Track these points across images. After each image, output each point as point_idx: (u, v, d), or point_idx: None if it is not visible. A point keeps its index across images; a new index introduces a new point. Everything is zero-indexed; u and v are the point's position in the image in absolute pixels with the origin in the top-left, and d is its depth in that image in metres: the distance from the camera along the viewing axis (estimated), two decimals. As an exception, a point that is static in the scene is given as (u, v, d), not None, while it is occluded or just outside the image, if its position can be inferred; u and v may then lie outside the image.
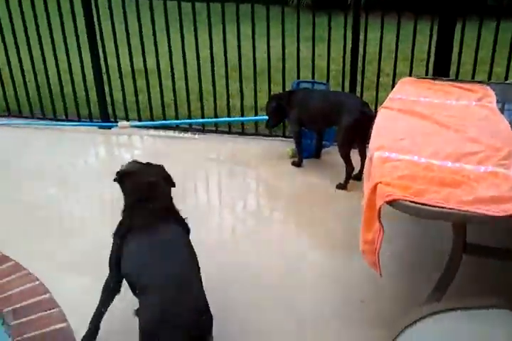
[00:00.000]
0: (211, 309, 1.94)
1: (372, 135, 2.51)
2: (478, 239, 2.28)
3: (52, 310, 2.37)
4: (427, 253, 2.76)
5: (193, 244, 2.90)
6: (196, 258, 2.08)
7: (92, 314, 2.21)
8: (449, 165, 2.09)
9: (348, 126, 3.37)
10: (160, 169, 2.31)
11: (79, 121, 4.62)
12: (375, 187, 1.99)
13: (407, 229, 3.01)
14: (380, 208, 1.93)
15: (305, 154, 3.89)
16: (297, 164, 3.82)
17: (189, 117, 4.49)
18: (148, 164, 2.33)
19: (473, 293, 2.36)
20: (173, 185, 2.31)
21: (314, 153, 3.94)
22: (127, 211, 2.20)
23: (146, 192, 2.17)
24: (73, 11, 4.26)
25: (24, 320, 2.30)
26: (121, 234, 2.13)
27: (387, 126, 2.53)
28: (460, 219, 1.85)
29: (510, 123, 2.55)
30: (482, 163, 2.10)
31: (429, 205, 1.83)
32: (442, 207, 1.81)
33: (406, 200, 1.85)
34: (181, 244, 2.11)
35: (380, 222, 1.95)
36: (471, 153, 2.19)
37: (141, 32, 4.24)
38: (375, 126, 2.59)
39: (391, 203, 1.88)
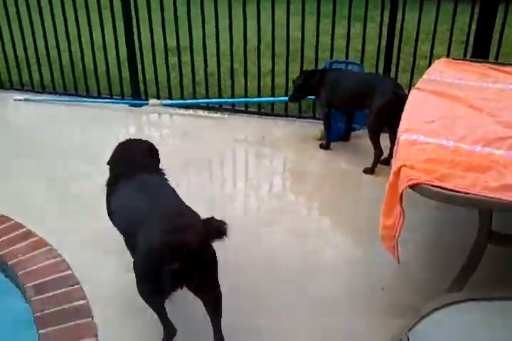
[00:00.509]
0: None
1: (402, 117, 2.42)
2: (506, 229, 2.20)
3: (72, 287, 2.40)
4: (453, 241, 2.67)
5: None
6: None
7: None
8: (479, 149, 2.01)
9: (380, 108, 3.27)
10: (147, 143, 2.64)
11: (111, 98, 4.64)
12: (398, 170, 1.92)
13: (434, 215, 2.93)
14: (402, 192, 1.86)
15: (333, 137, 3.81)
16: (325, 146, 3.75)
17: (219, 96, 4.45)
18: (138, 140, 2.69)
19: (496, 283, 2.28)
20: (156, 153, 2.63)
21: (343, 135, 3.85)
22: (114, 168, 2.58)
23: (131, 152, 2.56)
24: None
25: (45, 295, 2.34)
26: (111, 182, 2.48)
27: (418, 108, 2.44)
28: (485, 205, 1.77)
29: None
30: (514, 149, 2.00)
31: (454, 191, 1.75)
32: (467, 193, 1.73)
33: (429, 185, 1.78)
34: (166, 186, 2.35)
35: (401, 206, 1.89)
36: (502, 138, 2.09)
37: (175, 9, 4.21)
38: (405, 108, 2.50)
39: (414, 187, 1.81)
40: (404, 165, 1.90)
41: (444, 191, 1.76)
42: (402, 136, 2.14)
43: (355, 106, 3.60)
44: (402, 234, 2.71)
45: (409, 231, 2.80)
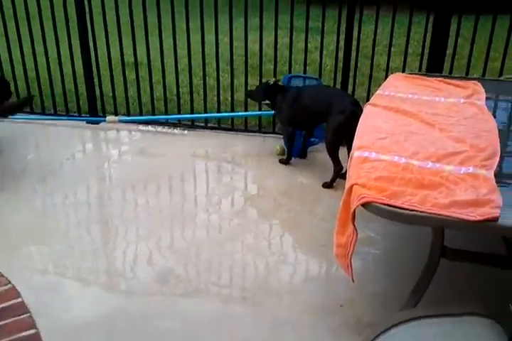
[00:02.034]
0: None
1: (356, 133, 2.43)
2: (463, 243, 2.21)
3: (21, 316, 2.29)
4: (411, 256, 2.68)
5: (178, 241, 2.88)
6: None
7: None
8: (429, 165, 2.01)
9: (337, 126, 3.29)
10: None
11: (67, 115, 4.55)
12: (350, 189, 1.91)
13: (394, 229, 2.93)
14: (354, 211, 1.85)
15: (294, 152, 3.82)
16: (285, 162, 3.75)
17: (179, 112, 4.41)
18: None
19: (452, 299, 2.29)
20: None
21: (302, 152, 3.86)
22: None
23: None
24: (64, 2, 4.17)
25: (-6, 326, 2.24)
26: None
27: (371, 124, 2.45)
28: (435, 223, 1.77)
29: (499, 121, 2.47)
30: (463, 164, 2.02)
31: (404, 208, 1.75)
32: (417, 211, 1.73)
33: (380, 203, 1.78)
34: None
35: (354, 225, 1.87)
36: (453, 153, 2.11)
37: (132, 24, 4.16)
38: (359, 124, 2.51)
39: (365, 206, 1.80)
40: (356, 184, 1.89)
41: (394, 209, 1.75)
42: (355, 153, 2.14)
43: (315, 124, 3.61)
44: (362, 249, 2.76)
45: (369, 246, 2.84)
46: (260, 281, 2.61)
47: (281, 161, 3.76)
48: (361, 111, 3.31)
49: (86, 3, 4.15)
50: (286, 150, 3.78)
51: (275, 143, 3.95)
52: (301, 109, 3.54)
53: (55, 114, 4.58)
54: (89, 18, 4.19)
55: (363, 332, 2.21)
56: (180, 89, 4.38)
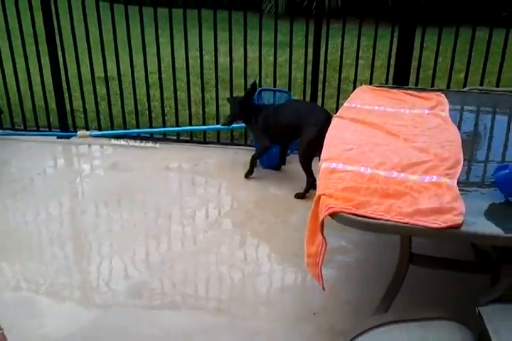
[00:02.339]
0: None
1: (324, 145, 2.48)
2: (435, 250, 2.28)
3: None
4: (382, 264, 2.73)
5: (153, 255, 2.89)
6: None
7: None
8: (395, 175, 2.07)
9: (311, 139, 3.36)
10: None
11: (38, 130, 4.53)
12: (318, 199, 1.96)
13: (365, 238, 3.00)
14: (322, 221, 1.90)
15: (266, 164, 3.87)
16: (248, 174, 3.77)
17: (150, 126, 4.43)
18: None
19: (423, 304, 2.35)
20: None
21: (277, 165, 3.91)
22: None
23: None
24: (32, 17, 4.18)
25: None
26: None
27: (338, 136, 2.50)
28: (400, 231, 1.83)
29: (462, 131, 2.56)
30: (427, 173, 2.08)
31: (370, 217, 1.80)
32: (382, 220, 1.78)
33: (347, 213, 1.82)
34: None
35: (322, 235, 1.92)
36: (417, 162, 2.17)
37: (101, 39, 4.18)
38: (327, 136, 2.56)
39: (333, 216, 1.85)
40: (324, 194, 1.94)
41: (360, 218, 1.80)
42: (322, 164, 2.19)
43: (292, 139, 3.68)
44: (335, 258, 2.81)
45: (342, 254, 2.90)
46: (235, 292, 2.63)
47: (246, 176, 3.79)
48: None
49: (54, 18, 4.16)
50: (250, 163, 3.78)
51: (247, 155, 3.99)
52: (278, 126, 3.59)
53: (25, 129, 4.56)
54: (58, 33, 4.21)
55: (337, 339, 2.26)
56: (151, 103, 4.41)
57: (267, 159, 3.88)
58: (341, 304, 2.51)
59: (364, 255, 2.91)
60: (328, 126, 3.24)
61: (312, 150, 3.40)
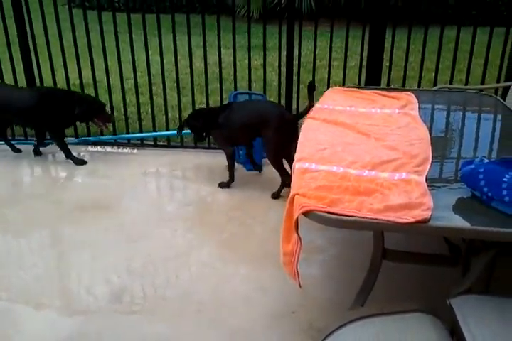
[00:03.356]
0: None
1: (297, 146, 2.53)
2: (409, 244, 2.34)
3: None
4: (358, 260, 2.78)
5: (132, 260, 2.88)
6: None
7: None
8: (365, 173, 2.12)
9: (276, 139, 3.39)
10: None
11: (13, 139, 4.50)
12: (292, 199, 2.00)
13: (341, 236, 3.05)
14: (297, 220, 1.94)
15: (248, 167, 3.91)
16: (226, 185, 3.72)
17: (127, 132, 4.45)
18: None
19: (398, 297, 2.41)
20: None
21: (253, 166, 3.94)
22: None
23: None
24: (5, 23, 4.17)
25: None
26: None
27: (311, 137, 2.55)
28: (372, 227, 1.88)
29: (433, 129, 2.63)
30: (397, 170, 2.13)
31: (342, 215, 1.84)
32: (354, 216, 1.83)
33: (320, 211, 1.87)
34: None
35: (297, 233, 1.96)
36: (387, 160, 2.22)
37: (76, 46, 4.18)
38: (300, 137, 2.61)
39: (306, 214, 1.89)
40: (297, 194, 1.98)
41: (333, 216, 1.84)
42: (296, 164, 2.24)
43: (252, 138, 3.67)
44: (312, 256, 2.86)
45: (318, 253, 2.95)
46: (214, 293, 2.66)
47: (221, 185, 3.73)
48: (292, 116, 3.53)
49: (27, 25, 4.16)
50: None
51: (224, 158, 4.03)
52: (234, 128, 3.55)
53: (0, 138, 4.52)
54: (31, 40, 4.20)
55: (316, 336, 2.29)
56: (128, 109, 4.42)
57: (248, 162, 3.91)
58: (319, 301, 2.56)
59: (340, 252, 2.96)
60: (288, 120, 3.33)
61: (277, 147, 3.42)
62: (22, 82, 4.37)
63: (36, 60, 4.26)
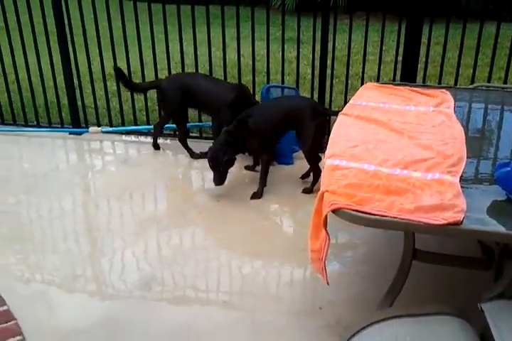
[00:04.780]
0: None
1: (328, 142, 2.52)
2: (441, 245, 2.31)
3: (7, 323, 2.36)
4: (387, 259, 2.76)
5: (163, 249, 2.90)
6: None
7: None
8: (397, 172, 2.10)
9: (311, 129, 3.38)
10: None
11: (50, 127, 4.60)
12: (322, 196, 2.00)
13: (371, 233, 3.02)
14: (326, 217, 1.94)
15: (280, 160, 3.90)
16: (260, 195, 3.49)
17: (160, 122, 4.48)
18: None
19: (426, 299, 2.38)
20: None
21: (290, 159, 3.93)
22: None
23: None
24: (43, 14, 4.24)
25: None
26: None
27: (343, 133, 2.53)
28: (401, 227, 1.86)
29: (468, 128, 2.58)
30: (430, 170, 2.11)
31: (372, 214, 1.84)
32: (384, 216, 1.82)
33: (349, 209, 1.86)
34: None
35: (326, 230, 1.96)
36: (420, 160, 2.20)
37: (112, 36, 4.23)
38: (332, 133, 2.60)
39: (335, 212, 1.89)
40: (327, 191, 1.98)
41: (362, 214, 1.84)
42: (326, 161, 2.23)
43: (284, 134, 3.63)
44: (341, 253, 2.85)
45: (347, 250, 2.94)
46: (243, 286, 2.69)
47: (253, 196, 3.49)
48: (326, 111, 3.54)
49: (65, 15, 4.22)
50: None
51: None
52: (269, 130, 3.48)
53: (38, 125, 4.63)
54: (69, 30, 4.26)
55: (342, 333, 2.29)
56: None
57: (279, 154, 3.90)
58: (347, 298, 2.55)
59: (368, 250, 2.94)
60: (319, 113, 3.39)
61: (313, 141, 3.41)
62: (59, 70, 4.44)
63: (73, 49, 4.33)
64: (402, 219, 1.79)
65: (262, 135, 3.46)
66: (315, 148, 3.46)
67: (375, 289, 2.53)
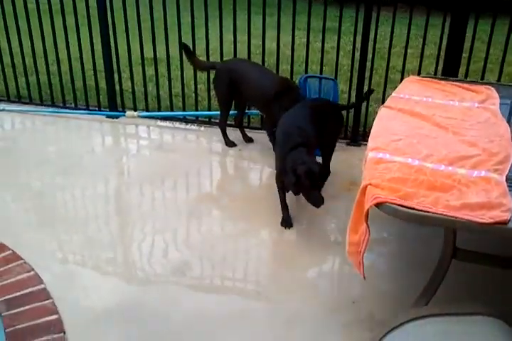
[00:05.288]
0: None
1: (370, 135, 2.49)
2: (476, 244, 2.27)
3: (44, 302, 2.41)
4: (424, 255, 2.74)
5: (194, 235, 2.91)
6: None
7: None
8: (442, 168, 2.07)
9: (338, 128, 3.55)
10: None
11: (87, 109, 4.65)
12: (364, 189, 1.98)
13: (407, 229, 2.99)
14: (367, 210, 1.92)
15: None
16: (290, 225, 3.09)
17: (196, 109, 4.49)
18: None
19: (463, 298, 2.35)
20: None
21: None
22: None
23: None
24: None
25: (17, 310, 2.34)
26: None
27: (386, 126, 2.51)
28: (446, 224, 1.84)
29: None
30: (476, 168, 2.07)
31: (416, 209, 1.81)
32: (429, 212, 1.79)
33: (393, 203, 1.84)
34: None
35: (367, 224, 1.94)
36: (466, 156, 2.16)
37: (152, 20, 4.24)
38: (374, 126, 2.57)
39: (378, 206, 1.87)
40: (370, 184, 1.96)
41: (406, 209, 1.82)
42: (369, 154, 2.20)
43: None
44: (375, 247, 2.82)
45: (382, 245, 2.91)
46: (275, 277, 2.69)
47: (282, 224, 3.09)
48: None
49: (107, 0, 4.24)
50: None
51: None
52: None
53: (76, 107, 4.68)
54: (110, 14, 4.28)
55: (375, 328, 2.27)
56: (198, 86, 4.46)
57: None
58: (381, 294, 2.53)
59: (404, 247, 2.91)
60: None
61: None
62: (99, 54, 4.47)
63: (114, 33, 4.34)
64: (448, 216, 1.76)
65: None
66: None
67: (409, 286, 2.51)
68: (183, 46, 4.05)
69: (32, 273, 2.58)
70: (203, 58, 4.36)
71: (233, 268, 2.76)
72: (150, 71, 4.59)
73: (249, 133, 4.20)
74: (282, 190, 3.08)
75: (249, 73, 3.86)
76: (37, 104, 4.78)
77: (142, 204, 3.35)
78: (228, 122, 4.11)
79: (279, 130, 3.17)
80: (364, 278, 2.04)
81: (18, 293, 2.44)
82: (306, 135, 3.06)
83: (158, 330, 2.31)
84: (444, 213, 1.78)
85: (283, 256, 2.84)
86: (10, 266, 2.62)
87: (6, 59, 4.71)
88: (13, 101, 4.83)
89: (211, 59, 4.33)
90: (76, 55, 4.51)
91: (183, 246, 2.90)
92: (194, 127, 4.43)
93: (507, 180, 1.99)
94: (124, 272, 2.74)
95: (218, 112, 4.29)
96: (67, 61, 4.55)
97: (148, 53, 4.40)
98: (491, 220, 1.73)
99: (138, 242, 2.97)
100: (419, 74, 3.94)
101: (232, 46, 4.22)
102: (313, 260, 2.82)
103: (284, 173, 2.91)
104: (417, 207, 1.82)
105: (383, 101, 3.98)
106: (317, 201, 2.82)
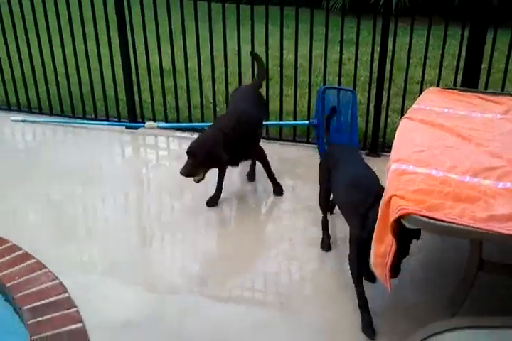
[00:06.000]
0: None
1: (392, 146, 2.49)
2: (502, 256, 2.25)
3: (69, 310, 2.43)
4: (449, 267, 2.72)
5: (214, 246, 2.93)
6: None
7: None
8: (467, 179, 2.07)
9: None
10: None
11: (107, 120, 4.70)
12: (389, 200, 1.98)
13: (432, 240, 2.96)
14: (393, 222, 1.92)
15: (322, 150, 3.84)
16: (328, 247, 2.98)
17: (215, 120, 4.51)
18: None
19: (492, 311, 2.32)
20: None
21: None
22: None
23: None
24: (106, 11, 4.34)
25: (41, 318, 2.36)
26: None
27: (408, 138, 2.51)
28: (473, 236, 1.83)
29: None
30: (501, 179, 2.07)
31: (442, 221, 1.81)
32: (455, 223, 1.79)
33: (419, 215, 1.84)
34: None
35: (393, 235, 1.94)
36: (490, 168, 2.16)
37: (171, 32, 4.29)
38: (396, 137, 2.57)
39: (404, 217, 1.87)
40: (395, 195, 1.96)
41: (432, 221, 1.81)
42: (392, 165, 2.21)
43: None
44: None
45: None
46: (297, 288, 2.68)
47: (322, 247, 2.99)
48: None
49: (126, 11, 4.30)
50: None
51: (309, 151, 3.99)
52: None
53: (96, 118, 4.74)
54: (129, 26, 4.34)
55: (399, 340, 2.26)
56: (216, 97, 4.49)
57: (323, 144, 3.84)
58: (405, 304, 2.52)
59: (429, 257, 2.87)
60: None
61: None
62: (118, 65, 4.52)
63: (133, 44, 4.40)
64: (476, 227, 1.75)
65: None
66: None
67: (432, 297, 2.50)
68: (253, 55, 3.96)
69: (56, 281, 2.61)
70: (220, 69, 4.39)
71: (258, 278, 2.75)
72: (169, 82, 4.63)
73: (268, 144, 4.21)
74: (323, 211, 2.95)
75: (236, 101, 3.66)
76: (57, 115, 4.85)
77: (162, 215, 3.37)
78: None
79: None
80: (390, 289, 2.03)
81: (42, 302, 2.47)
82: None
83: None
84: (471, 225, 1.77)
85: (306, 267, 2.83)
86: (35, 274, 2.65)
87: (27, 70, 4.78)
88: (34, 113, 4.91)
89: (228, 70, 4.36)
90: (96, 65, 4.58)
91: (202, 257, 2.91)
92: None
93: (532, 191, 1.98)
94: (145, 282, 2.74)
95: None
96: (86, 72, 4.62)
97: (167, 65, 4.45)
98: (519, 232, 1.72)
99: (158, 252, 2.98)
100: (438, 85, 3.94)
101: (250, 58, 4.25)
102: (336, 269, 2.80)
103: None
104: (444, 219, 1.81)
105: (402, 112, 4.01)
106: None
